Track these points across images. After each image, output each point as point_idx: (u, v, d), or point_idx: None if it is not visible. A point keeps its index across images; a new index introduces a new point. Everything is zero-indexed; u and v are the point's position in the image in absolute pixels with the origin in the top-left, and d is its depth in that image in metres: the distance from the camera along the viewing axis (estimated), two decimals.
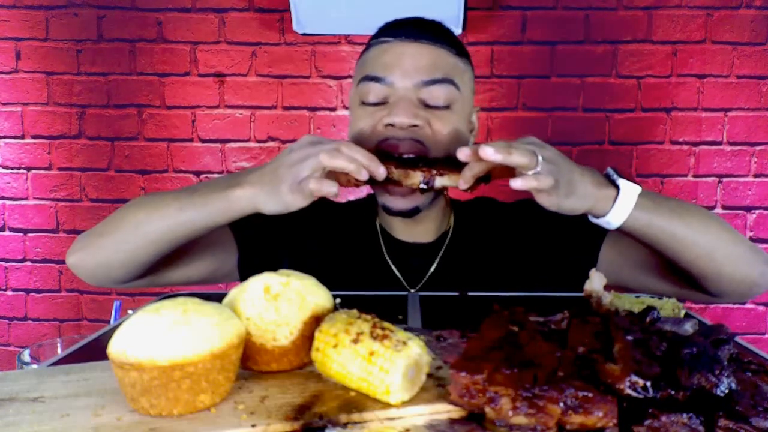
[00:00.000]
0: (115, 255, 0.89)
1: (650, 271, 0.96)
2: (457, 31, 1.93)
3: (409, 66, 0.92)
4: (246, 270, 1.03)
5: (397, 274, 1.04)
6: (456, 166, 0.82)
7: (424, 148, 0.92)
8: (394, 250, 1.05)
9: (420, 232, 1.05)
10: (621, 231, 0.82)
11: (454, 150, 0.91)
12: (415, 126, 0.91)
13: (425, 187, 0.84)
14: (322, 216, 1.09)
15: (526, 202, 1.05)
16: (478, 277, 1.02)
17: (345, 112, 2.09)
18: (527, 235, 1.05)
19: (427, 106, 0.93)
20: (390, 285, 1.03)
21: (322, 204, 1.12)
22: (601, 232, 0.99)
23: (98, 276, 0.93)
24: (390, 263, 1.04)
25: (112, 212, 0.92)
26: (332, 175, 0.81)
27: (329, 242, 1.07)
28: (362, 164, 0.78)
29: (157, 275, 0.96)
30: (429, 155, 0.93)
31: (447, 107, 0.94)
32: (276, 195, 0.79)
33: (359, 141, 0.94)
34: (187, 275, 1.00)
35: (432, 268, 1.04)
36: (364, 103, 0.96)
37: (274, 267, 0.73)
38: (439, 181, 0.83)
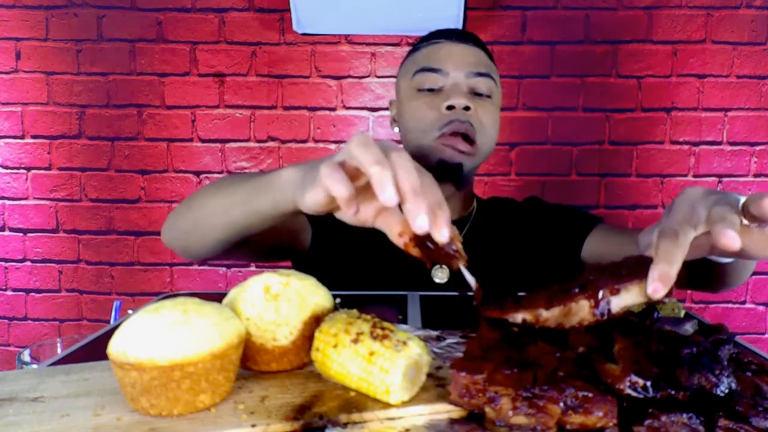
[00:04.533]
0: (190, 236, 0.89)
1: None
2: None
3: (459, 60, 1.07)
4: (318, 249, 1.10)
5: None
6: (619, 275, 0.55)
7: (473, 130, 1.05)
8: None
9: (448, 206, 1.11)
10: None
11: (492, 140, 1.09)
12: (468, 109, 1.04)
13: (600, 316, 0.55)
14: None
15: (533, 198, 1.23)
16: (496, 257, 1.10)
17: (345, 112, 2.09)
18: (532, 225, 1.17)
19: (475, 94, 1.08)
20: (415, 259, 1.07)
21: None
22: (589, 225, 1.10)
23: (185, 252, 0.94)
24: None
25: (197, 190, 0.92)
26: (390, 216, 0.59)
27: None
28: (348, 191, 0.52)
29: (239, 252, 0.95)
30: (473, 138, 1.04)
31: (489, 96, 1.09)
32: (302, 185, 0.63)
33: (418, 124, 1.07)
34: (265, 252, 1.05)
35: None
36: (420, 90, 1.09)
37: (340, 246, 0.93)
38: (617, 302, 0.54)
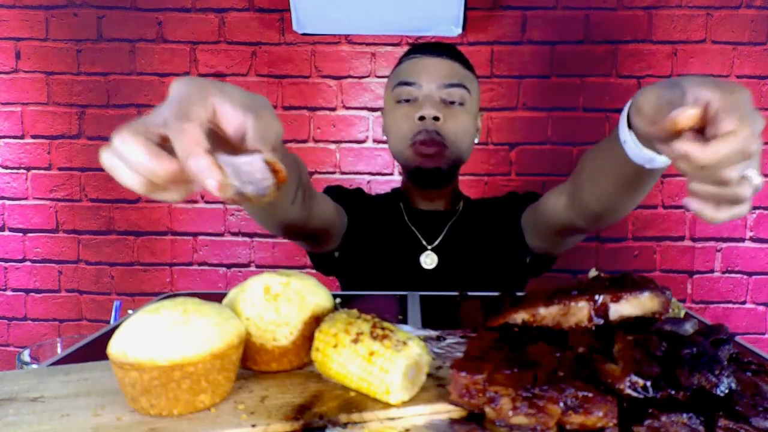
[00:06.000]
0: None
1: (552, 232, 1.11)
2: (457, 31, 1.93)
3: (433, 73, 1.18)
4: (348, 237, 1.20)
5: (416, 233, 1.23)
6: (621, 285, 0.58)
7: (442, 139, 1.15)
8: (414, 216, 1.26)
9: (436, 202, 1.27)
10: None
11: (463, 143, 1.19)
12: (437, 119, 1.15)
13: (597, 321, 0.56)
14: (368, 201, 1.32)
15: (511, 194, 1.31)
16: (478, 255, 1.19)
17: (345, 112, 2.09)
18: (507, 221, 1.23)
19: (447, 103, 1.17)
20: (411, 243, 1.21)
21: (361, 193, 1.34)
22: (523, 202, 1.21)
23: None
24: (410, 226, 1.24)
25: None
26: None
27: (368, 220, 1.25)
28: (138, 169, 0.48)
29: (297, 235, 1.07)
30: (445, 145, 1.15)
31: (461, 104, 1.18)
32: None
33: (396, 133, 1.20)
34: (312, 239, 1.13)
35: (446, 229, 1.22)
36: (398, 102, 1.20)
37: (358, 237, 1.14)
38: (616, 309, 0.56)
